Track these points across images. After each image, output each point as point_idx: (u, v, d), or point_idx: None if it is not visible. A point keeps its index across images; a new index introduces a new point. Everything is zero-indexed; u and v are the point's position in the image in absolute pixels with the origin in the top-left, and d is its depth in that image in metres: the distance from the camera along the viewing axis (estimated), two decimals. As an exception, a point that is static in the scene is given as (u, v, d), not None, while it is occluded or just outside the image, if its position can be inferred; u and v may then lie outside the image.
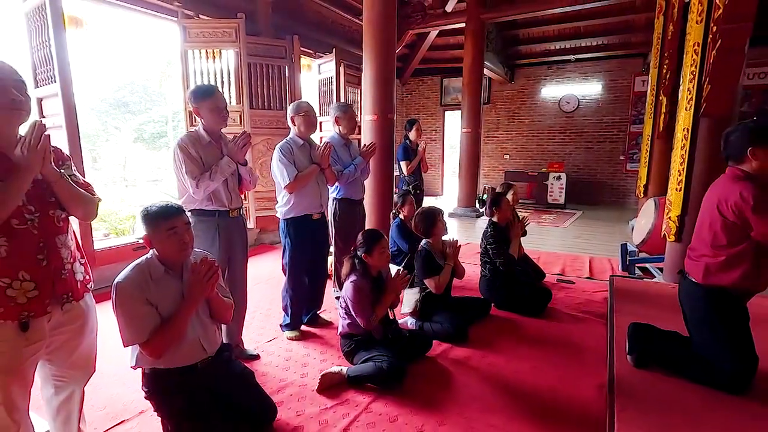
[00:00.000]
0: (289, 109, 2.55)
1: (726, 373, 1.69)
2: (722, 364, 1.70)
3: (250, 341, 2.58)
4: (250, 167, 2.28)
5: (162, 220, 1.55)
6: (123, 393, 2.01)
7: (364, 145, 3.01)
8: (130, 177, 13.64)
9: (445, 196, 10.19)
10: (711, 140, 2.81)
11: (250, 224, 4.26)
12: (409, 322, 2.76)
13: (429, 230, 2.81)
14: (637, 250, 3.98)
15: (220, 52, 4.23)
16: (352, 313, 2.20)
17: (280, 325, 2.71)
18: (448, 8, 7.08)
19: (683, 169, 3.00)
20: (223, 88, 4.23)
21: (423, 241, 2.83)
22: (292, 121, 2.53)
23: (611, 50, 8.14)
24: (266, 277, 3.85)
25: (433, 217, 2.82)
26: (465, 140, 7.29)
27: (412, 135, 4.22)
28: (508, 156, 9.49)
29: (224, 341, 2.31)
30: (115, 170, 13.96)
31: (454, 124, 9.60)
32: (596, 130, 8.60)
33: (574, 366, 2.32)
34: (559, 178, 8.02)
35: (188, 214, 2.11)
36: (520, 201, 8.58)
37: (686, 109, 2.96)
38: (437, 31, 8.23)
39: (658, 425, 1.55)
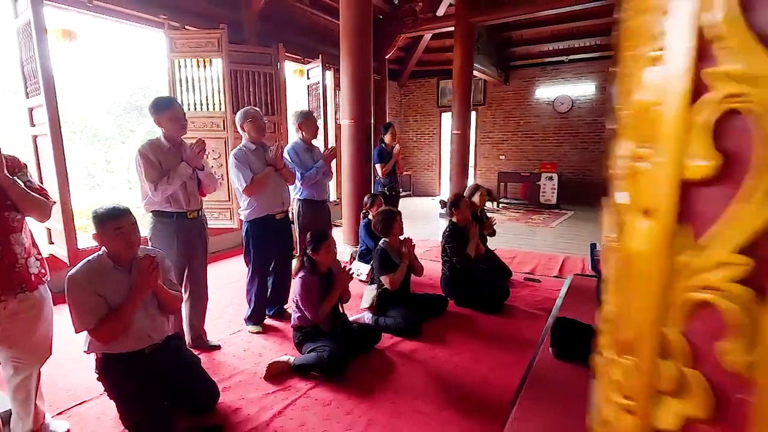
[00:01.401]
0: (237, 117, 2.68)
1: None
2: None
3: (216, 333, 2.76)
4: (209, 172, 2.46)
5: (109, 221, 1.74)
6: (87, 377, 2.19)
7: (326, 149, 3.17)
8: (134, 179, 14.06)
9: (443, 196, 10.27)
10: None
11: (234, 224, 4.46)
12: (366, 317, 2.91)
13: (387, 230, 2.96)
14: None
15: (210, 61, 4.44)
16: (301, 306, 2.37)
17: (244, 319, 2.89)
18: (439, 12, 7.19)
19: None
20: (209, 95, 4.43)
21: (381, 240, 2.98)
22: (242, 128, 2.66)
23: (606, 50, 8.13)
24: (244, 274, 4.02)
25: (391, 218, 2.96)
26: (455, 141, 7.40)
27: (387, 138, 4.37)
28: (503, 156, 9.55)
29: (186, 334, 2.51)
30: (122, 173, 14.41)
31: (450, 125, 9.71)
32: (591, 130, 8.60)
33: (514, 360, 2.43)
34: (551, 178, 8.05)
35: (149, 215, 2.33)
36: (512, 201, 8.69)
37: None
38: (431, 34, 8.35)
39: (556, 412, 1.67)
